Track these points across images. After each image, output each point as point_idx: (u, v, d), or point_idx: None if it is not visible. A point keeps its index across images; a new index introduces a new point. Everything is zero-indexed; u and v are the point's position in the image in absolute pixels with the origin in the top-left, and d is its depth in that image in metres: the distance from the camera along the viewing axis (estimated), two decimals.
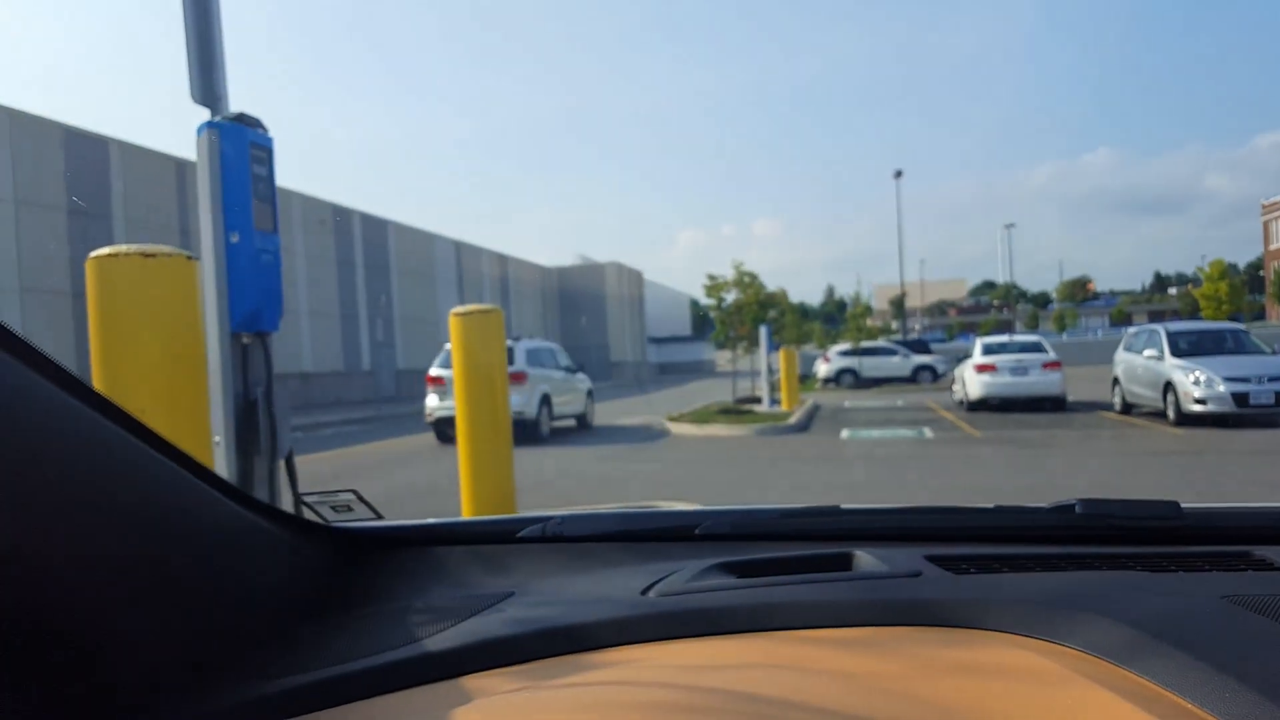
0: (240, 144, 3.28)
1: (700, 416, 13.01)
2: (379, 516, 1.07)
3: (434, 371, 11.07)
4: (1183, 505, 0.90)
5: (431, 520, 1.04)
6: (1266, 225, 64.46)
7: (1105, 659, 0.57)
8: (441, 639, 0.71)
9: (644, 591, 0.78)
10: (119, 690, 0.57)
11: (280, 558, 0.79)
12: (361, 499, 1.08)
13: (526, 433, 10.74)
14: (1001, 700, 0.52)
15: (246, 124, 3.34)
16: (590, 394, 13.52)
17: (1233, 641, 0.57)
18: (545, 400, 11.51)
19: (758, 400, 15.78)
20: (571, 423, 12.71)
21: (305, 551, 0.84)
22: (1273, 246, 63.29)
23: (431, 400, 10.88)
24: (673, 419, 12.89)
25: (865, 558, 0.83)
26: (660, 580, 0.80)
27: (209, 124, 3.27)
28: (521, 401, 10.65)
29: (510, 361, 10.58)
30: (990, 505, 1.01)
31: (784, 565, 0.83)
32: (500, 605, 0.79)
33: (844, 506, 1.04)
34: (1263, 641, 0.57)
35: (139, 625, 0.59)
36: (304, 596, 0.82)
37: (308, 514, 1.02)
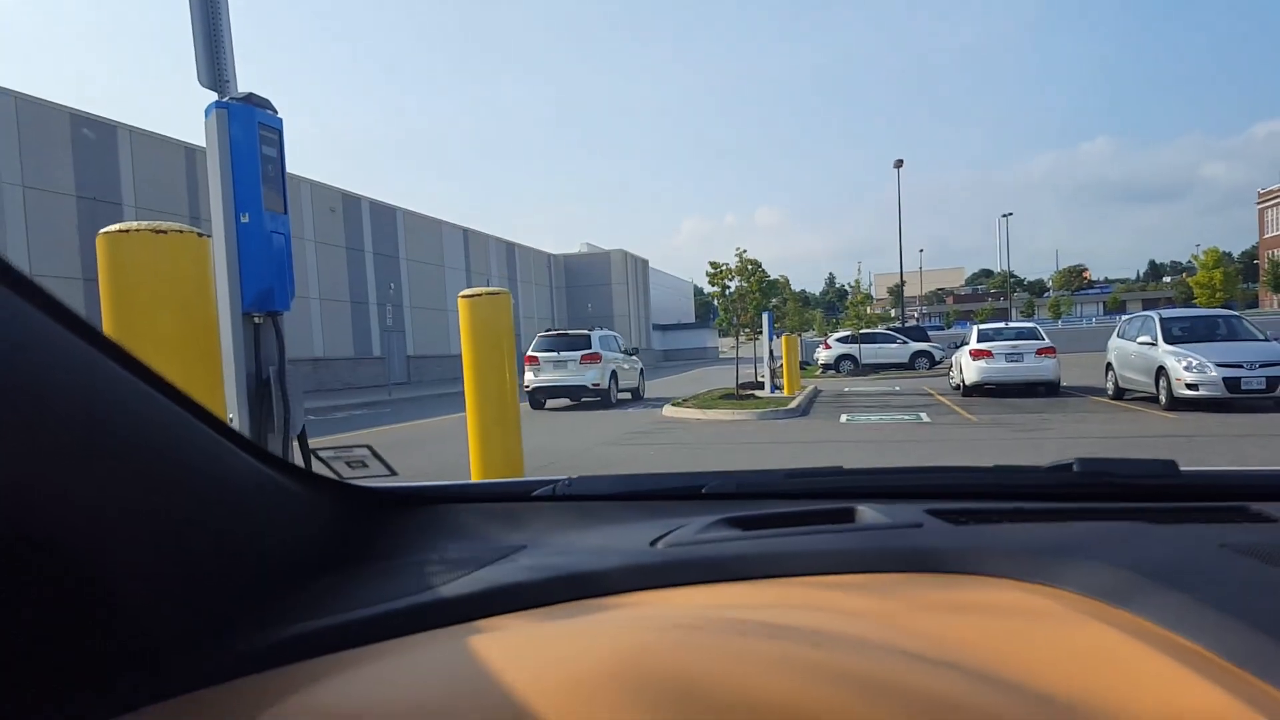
0: (249, 124, 3.30)
1: (704, 402, 13.08)
2: (393, 472, 1.07)
3: (530, 352, 14.29)
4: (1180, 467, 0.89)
5: (444, 482, 1.04)
6: (1262, 213, 64.36)
7: (1103, 600, 0.58)
8: (455, 586, 0.71)
9: (653, 543, 0.79)
10: (128, 637, 0.57)
11: (293, 511, 0.78)
12: (375, 454, 1.07)
13: (602, 400, 14.23)
14: (1001, 636, 0.53)
15: (255, 104, 3.36)
16: (642, 372, 16.58)
17: (1231, 584, 0.57)
18: (614, 375, 14.57)
19: (760, 386, 15.83)
20: (628, 395, 15.62)
21: (318, 506, 0.83)
22: (1268, 235, 63.23)
23: (527, 375, 14.09)
24: (677, 405, 12.98)
25: (867, 512, 0.84)
26: (669, 533, 0.82)
27: (218, 104, 3.29)
28: (597, 376, 14.00)
29: (588, 345, 14.17)
30: (989, 465, 1.03)
31: (789, 519, 0.85)
32: (513, 556, 0.80)
33: (846, 467, 1.06)
34: (1261, 584, 0.57)
35: (149, 571, 0.58)
36: (317, 550, 0.81)
37: (321, 469, 1.01)
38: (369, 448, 1.06)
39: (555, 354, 14.07)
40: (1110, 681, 0.45)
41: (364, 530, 0.90)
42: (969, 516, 0.82)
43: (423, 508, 0.98)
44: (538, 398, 14.25)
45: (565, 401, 14.99)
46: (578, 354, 14.06)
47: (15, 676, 0.52)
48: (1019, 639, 0.52)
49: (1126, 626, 0.53)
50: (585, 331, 14.71)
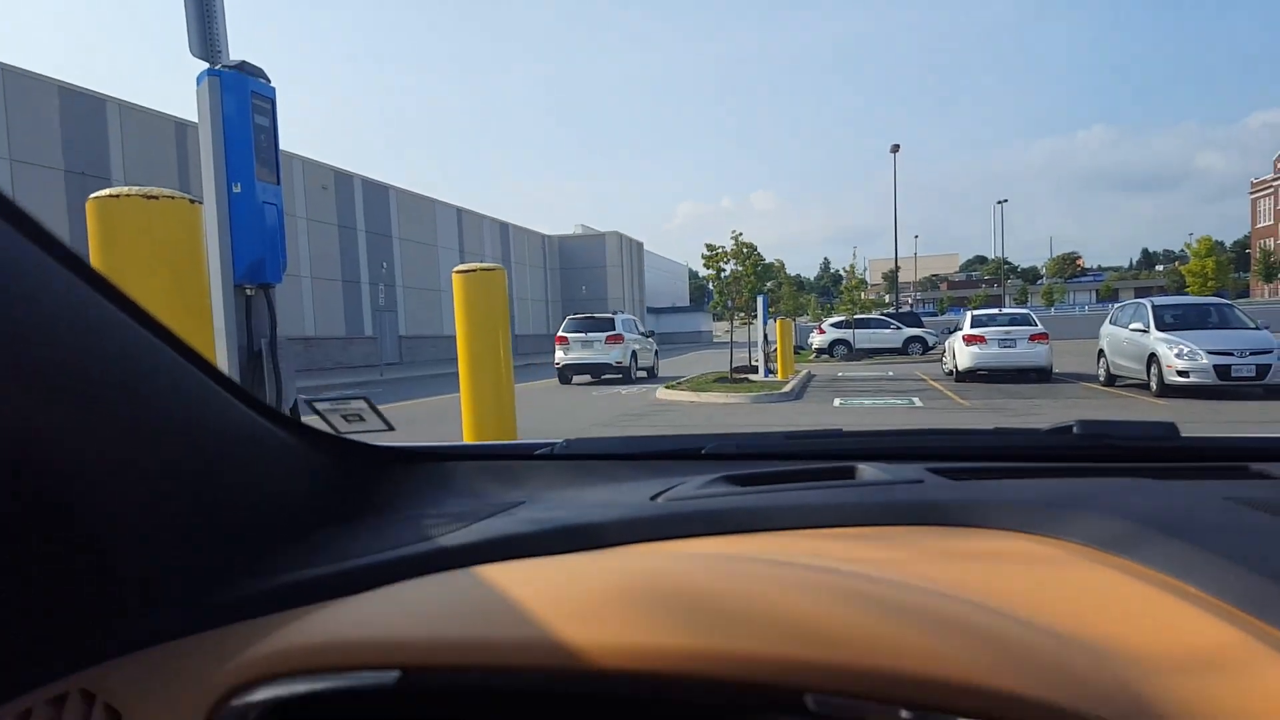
0: (242, 93, 3.25)
1: (697, 385, 13.09)
2: (390, 427, 1.05)
3: (560, 333, 15.99)
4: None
5: (441, 444, 1.03)
6: (1254, 203, 64.60)
7: (1106, 550, 0.58)
8: (454, 537, 0.71)
9: (653, 498, 0.79)
10: (120, 581, 0.57)
11: (288, 463, 0.77)
12: (373, 407, 1.04)
13: (624, 376, 15.97)
14: (1005, 579, 0.53)
15: (248, 73, 3.32)
16: (656, 352, 18.39)
17: (1236, 534, 0.56)
18: (634, 355, 16.31)
19: (754, 370, 15.86)
20: (644, 374, 17.26)
21: (314, 459, 0.82)
22: (1260, 224, 63.49)
23: (558, 354, 15.84)
24: (670, 387, 13.00)
25: (868, 469, 0.84)
26: (669, 489, 0.81)
27: (210, 72, 3.24)
28: (620, 355, 15.70)
29: (612, 327, 16.00)
30: (990, 428, 1.03)
31: (790, 477, 0.84)
32: (512, 510, 0.80)
33: (846, 429, 1.06)
34: (1265, 533, 0.57)
35: (142, 516, 0.58)
36: (313, 503, 0.80)
37: (317, 422, 0.99)
38: (366, 400, 1.03)
39: (583, 335, 15.75)
40: (1117, 619, 0.45)
41: (361, 484, 0.89)
42: (970, 475, 0.82)
43: (419, 463, 0.97)
44: (566, 374, 15.85)
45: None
46: (603, 335, 15.75)
47: (12, 621, 0.51)
48: (1023, 582, 0.53)
49: (1131, 572, 0.53)
50: (610, 315, 16.65)
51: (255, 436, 0.72)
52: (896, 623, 0.35)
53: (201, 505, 0.64)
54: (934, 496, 0.73)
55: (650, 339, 18.05)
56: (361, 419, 1.01)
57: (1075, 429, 0.93)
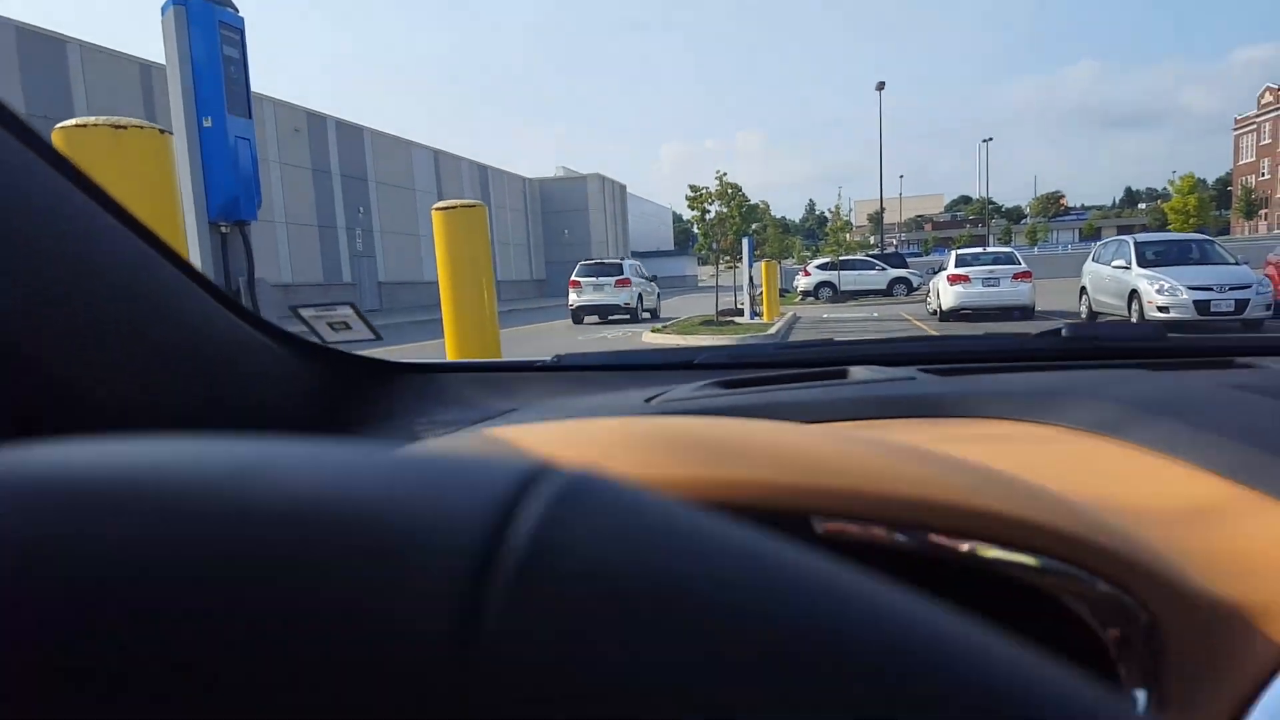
0: (209, 23, 3.13)
1: (684, 328, 13.13)
2: (378, 336, 1.03)
3: (573, 277, 17.24)
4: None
5: (431, 360, 1.02)
6: (1237, 140, 64.50)
7: (1098, 432, 0.58)
8: (444, 441, 0.71)
9: (647, 401, 0.79)
10: None
11: (273, 370, 0.76)
12: (359, 314, 1.02)
13: (631, 316, 17.38)
14: (1005, 457, 0.54)
15: (215, 2, 3.18)
16: (659, 295, 19.92)
17: (1224, 410, 0.57)
18: (640, 298, 17.71)
19: (740, 313, 15.88)
20: (647, 315, 18.47)
21: (300, 367, 0.81)
22: (1242, 161, 63.53)
23: (572, 296, 17.13)
24: (657, 330, 13.03)
25: (860, 371, 0.85)
26: (663, 393, 0.82)
27: (174, 1, 3.11)
28: (628, 297, 17.14)
29: (620, 272, 17.43)
30: (980, 333, 1.07)
31: (782, 380, 0.85)
32: (505, 416, 0.80)
33: (838, 339, 1.09)
34: (1254, 410, 0.57)
35: (131, 418, 0.57)
36: (300, 413, 0.79)
37: (303, 330, 0.96)
38: (352, 306, 1.01)
39: (594, 279, 17.03)
40: (1109, 483, 0.46)
41: (349, 394, 0.88)
42: (961, 374, 0.83)
43: (409, 375, 0.97)
44: (578, 315, 17.19)
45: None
46: (612, 279, 17.03)
47: None
48: (1017, 457, 0.53)
49: (1127, 448, 0.54)
50: (618, 260, 18.19)
51: (241, 342, 0.71)
52: (898, 458, 0.35)
53: (185, 409, 0.63)
54: (927, 390, 0.74)
55: (653, 283, 19.31)
56: (348, 326, 1.00)
57: (1064, 331, 0.95)
